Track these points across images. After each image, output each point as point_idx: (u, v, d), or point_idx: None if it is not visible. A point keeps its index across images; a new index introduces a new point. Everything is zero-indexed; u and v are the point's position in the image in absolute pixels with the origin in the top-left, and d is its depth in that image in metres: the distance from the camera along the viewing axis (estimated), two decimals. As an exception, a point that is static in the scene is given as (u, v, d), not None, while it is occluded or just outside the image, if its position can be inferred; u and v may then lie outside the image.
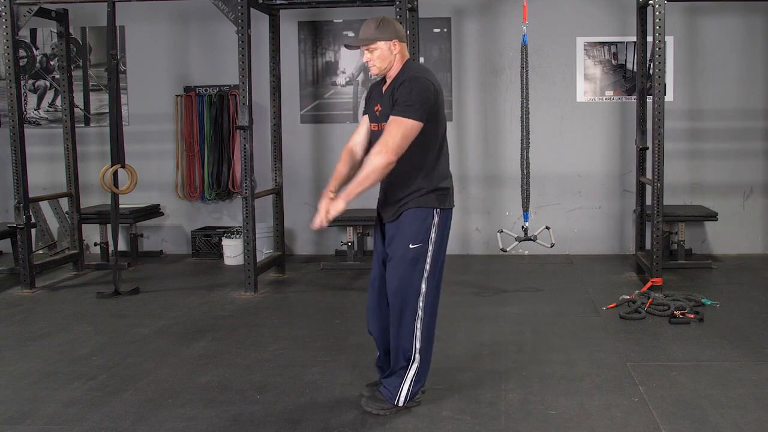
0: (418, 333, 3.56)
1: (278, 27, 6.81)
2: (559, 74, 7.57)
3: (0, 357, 4.58)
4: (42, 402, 3.82)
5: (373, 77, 3.69)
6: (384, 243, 3.65)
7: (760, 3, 7.19)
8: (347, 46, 3.74)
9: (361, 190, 3.40)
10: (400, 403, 3.60)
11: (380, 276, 3.67)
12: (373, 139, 3.63)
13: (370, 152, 3.47)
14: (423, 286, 3.54)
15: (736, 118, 7.48)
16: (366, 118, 3.71)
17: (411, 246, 3.50)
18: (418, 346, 3.57)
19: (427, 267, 3.53)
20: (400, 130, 3.39)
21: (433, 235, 3.52)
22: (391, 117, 3.42)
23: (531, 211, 6.67)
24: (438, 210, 3.54)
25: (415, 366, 3.59)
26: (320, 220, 3.45)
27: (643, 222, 6.65)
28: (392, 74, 3.56)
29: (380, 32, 3.51)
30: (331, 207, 3.44)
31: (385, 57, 3.53)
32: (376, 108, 3.61)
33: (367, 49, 3.55)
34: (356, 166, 3.63)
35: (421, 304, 3.54)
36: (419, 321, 3.55)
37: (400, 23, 5.76)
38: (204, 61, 7.93)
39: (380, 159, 3.37)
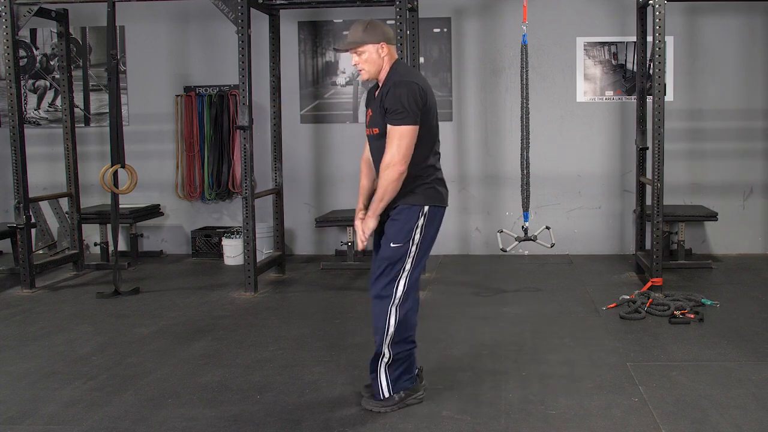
0: (390, 329, 3.56)
1: (278, 27, 6.80)
2: (559, 74, 7.57)
3: (0, 357, 4.58)
4: (42, 402, 3.82)
5: (362, 83, 3.75)
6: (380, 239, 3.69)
7: (760, 3, 7.19)
8: (336, 50, 3.76)
9: (384, 204, 3.53)
10: (384, 395, 3.60)
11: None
12: (370, 143, 3.68)
13: (380, 166, 3.50)
14: (400, 286, 3.55)
15: (736, 118, 7.48)
16: None
17: (392, 245, 3.55)
18: (387, 340, 3.57)
19: (407, 266, 3.56)
20: (402, 139, 3.44)
21: (417, 235, 3.55)
22: (390, 127, 3.47)
23: (531, 211, 6.66)
24: (426, 207, 3.56)
25: (384, 360, 3.60)
26: (360, 241, 3.61)
27: (643, 222, 6.65)
28: (382, 77, 3.58)
29: (368, 35, 3.53)
30: (364, 226, 3.58)
31: (373, 60, 3.55)
32: (368, 113, 3.66)
33: (355, 52, 3.57)
34: (375, 176, 3.67)
35: (395, 304, 3.55)
36: (392, 317, 3.55)
37: (398, 25, 5.80)
38: (204, 61, 7.93)
39: (392, 172, 3.45)
